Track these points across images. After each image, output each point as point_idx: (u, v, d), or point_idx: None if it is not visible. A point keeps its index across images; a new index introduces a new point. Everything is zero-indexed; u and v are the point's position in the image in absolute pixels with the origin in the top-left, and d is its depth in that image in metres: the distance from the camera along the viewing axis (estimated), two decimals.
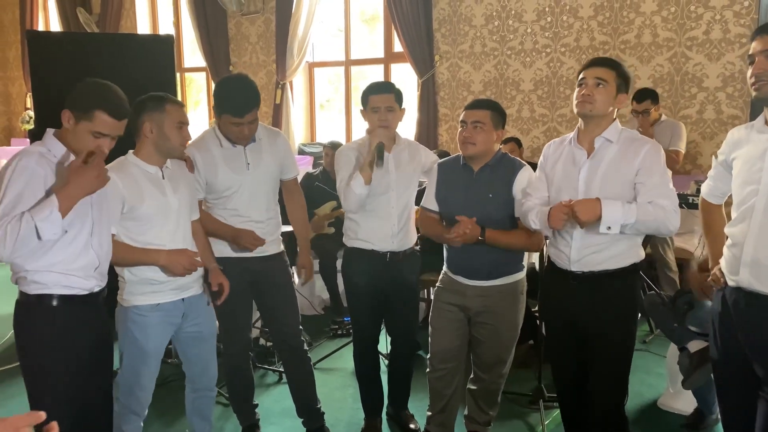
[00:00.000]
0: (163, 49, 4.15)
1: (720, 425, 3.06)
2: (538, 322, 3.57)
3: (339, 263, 4.60)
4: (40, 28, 10.30)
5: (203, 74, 8.60)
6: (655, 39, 5.21)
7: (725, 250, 2.15)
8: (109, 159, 2.38)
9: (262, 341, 4.10)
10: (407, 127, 6.34)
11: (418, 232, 3.04)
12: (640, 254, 2.40)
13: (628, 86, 2.34)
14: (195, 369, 2.67)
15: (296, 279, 3.06)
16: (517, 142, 5.06)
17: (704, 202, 2.39)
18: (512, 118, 5.78)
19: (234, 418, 3.14)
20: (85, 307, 2.20)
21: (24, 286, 2.14)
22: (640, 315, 3.41)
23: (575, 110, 2.34)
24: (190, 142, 2.78)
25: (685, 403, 3.26)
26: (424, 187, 2.90)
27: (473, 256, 2.62)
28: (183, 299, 2.51)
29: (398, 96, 2.80)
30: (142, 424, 2.58)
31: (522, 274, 2.75)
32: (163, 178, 2.44)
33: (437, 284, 2.83)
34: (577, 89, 2.33)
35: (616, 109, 2.36)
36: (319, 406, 3.06)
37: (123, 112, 2.13)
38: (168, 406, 3.28)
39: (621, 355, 2.42)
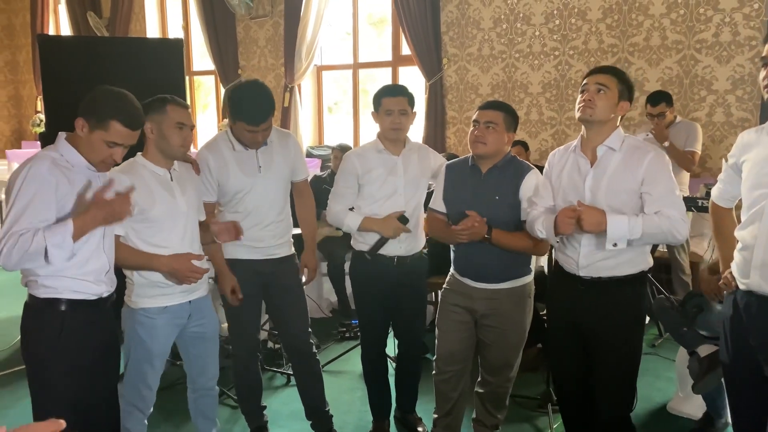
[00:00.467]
0: (173, 52, 4.17)
1: (729, 429, 3.06)
2: (546, 325, 3.56)
3: (347, 266, 4.62)
4: (51, 32, 10.39)
5: (212, 77, 8.65)
6: (664, 41, 5.19)
7: (736, 253, 2.14)
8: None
9: (270, 344, 4.11)
10: (415, 129, 6.33)
11: (427, 235, 3.04)
12: (648, 261, 2.40)
13: (631, 94, 2.34)
14: (196, 368, 2.69)
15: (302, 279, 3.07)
16: (524, 145, 5.05)
17: (714, 205, 2.38)
18: (520, 121, 5.72)
19: (242, 420, 3.15)
20: (94, 311, 2.21)
21: (34, 289, 2.15)
22: (648, 319, 3.40)
23: (577, 116, 2.34)
24: (205, 144, 2.81)
25: (694, 407, 3.24)
26: (433, 191, 2.90)
27: (481, 259, 2.62)
28: (190, 301, 2.53)
29: (411, 99, 2.82)
30: (146, 422, 2.60)
31: (530, 278, 2.74)
32: (172, 180, 2.46)
33: (444, 286, 2.83)
34: (579, 96, 2.33)
35: (619, 117, 2.35)
36: (327, 409, 3.07)
37: (138, 122, 2.14)
38: (176, 408, 3.29)
39: (626, 361, 2.41)
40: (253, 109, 2.62)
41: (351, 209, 2.88)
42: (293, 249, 2.96)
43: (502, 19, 5.95)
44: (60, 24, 10.64)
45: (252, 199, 2.76)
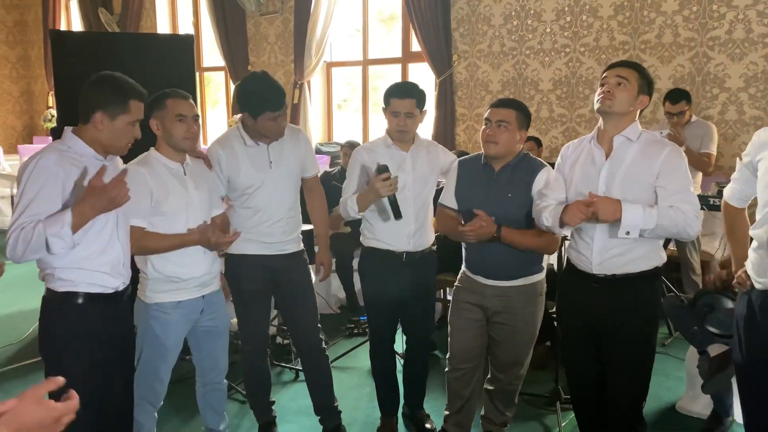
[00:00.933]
0: (183, 48, 4.18)
1: (735, 427, 3.04)
2: (555, 323, 3.55)
3: (355, 262, 4.62)
4: (62, 27, 10.44)
5: (222, 74, 8.67)
6: (677, 39, 5.15)
7: (751, 252, 2.12)
8: (131, 156, 2.43)
9: (279, 339, 4.12)
10: (425, 126, 6.32)
11: (436, 232, 3.04)
12: (662, 257, 2.37)
13: (650, 89, 2.32)
14: (206, 362, 2.71)
15: (314, 276, 3.07)
16: (537, 141, 5.04)
17: (727, 205, 2.36)
18: (531, 120, 5.75)
19: (251, 414, 3.16)
20: (111, 306, 2.23)
21: (51, 283, 2.17)
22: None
23: (596, 107, 2.32)
24: (216, 139, 2.82)
25: (703, 406, 3.23)
26: (442, 188, 2.89)
27: (493, 256, 2.61)
28: (203, 296, 2.55)
29: (420, 100, 2.79)
30: (156, 415, 2.62)
31: (541, 275, 2.73)
32: (185, 174, 2.48)
33: (456, 284, 2.82)
34: (599, 89, 2.32)
35: (638, 111, 2.34)
36: (336, 405, 3.07)
37: (140, 91, 2.19)
38: (186, 402, 3.31)
39: (641, 360, 2.39)
40: (274, 95, 2.65)
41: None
42: (302, 245, 2.97)
43: (512, 15, 5.93)
44: (71, 20, 10.70)
45: (263, 194, 2.76)
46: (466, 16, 6.19)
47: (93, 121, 2.10)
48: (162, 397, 2.61)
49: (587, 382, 2.52)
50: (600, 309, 2.36)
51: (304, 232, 3.01)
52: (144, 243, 2.38)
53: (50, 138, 8.13)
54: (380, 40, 7.44)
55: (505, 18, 5.97)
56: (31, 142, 10.16)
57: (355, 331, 4.44)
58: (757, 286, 2.07)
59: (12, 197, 7.91)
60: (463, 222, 2.60)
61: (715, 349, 2.93)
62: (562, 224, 2.31)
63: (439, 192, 2.91)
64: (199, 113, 2.50)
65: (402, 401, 3.22)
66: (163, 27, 9.22)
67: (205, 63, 9.00)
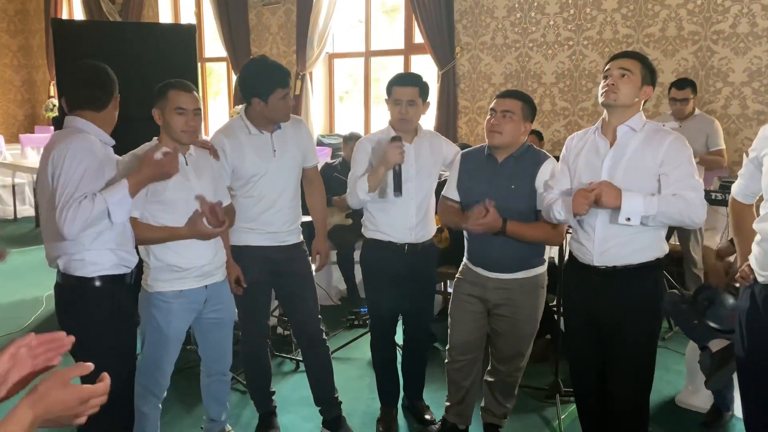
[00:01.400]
0: (185, 38, 4.17)
1: (735, 421, 3.05)
2: (556, 316, 3.56)
3: (356, 254, 4.63)
4: (64, 16, 10.41)
5: (223, 64, 8.65)
6: (680, 32, 5.13)
7: (754, 246, 2.11)
8: (135, 146, 2.45)
9: (279, 330, 4.13)
10: (427, 119, 6.31)
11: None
12: (663, 248, 2.36)
13: (653, 79, 2.32)
14: (211, 354, 2.72)
15: (312, 266, 3.08)
16: (539, 135, 5.03)
17: (734, 201, 2.34)
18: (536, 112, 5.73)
19: (251, 405, 3.17)
20: (123, 287, 2.32)
21: (71, 268, 2.22)
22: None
23: (600, 100, 2.31)
24: (219, 128, 2.82)
25: (703, 400, 3.23)
26: (444, 180, 2.89)
27: (494, 249, 2.61)
28: (206, 286, 2.55)
29: (423, 90, 2.78)
30: (160, 405, 2.63)
31: (543, 268, 2.73)
32: (187, 165, 2.48)
33: (457, 275, 2.83)
34: (602, 81, 2.30)
35: (642, 102, 2.33)
36: (336, 395, 3.08)
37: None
38: (188, 391, 3.33)
39: (644, 352, 2.38)
40: (281, 71, 2.69)
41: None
42: (302, 236, 2.97)
43: (516, 7, 5.90)
44: (73, 9, 10.68)
45: (266, 183, 2.76)
46: (469, 7, 6.16)
47: (112, 105, 2.29)
48: (165, 388, 2.62)
49: (590, 376, 2.52)
50: (602, 302, 2.36)
51: (303, 224, 3.01)
52: (135, 233, 2.40)
53: (52, 128, 8.13)
54: (383, 31, 7.42)
55: (509, 10, 5.95)
56: (33, 132, 10.14)
57: (356, 322, 4.45)
58: (761, 279, 2.06)
59: (13, 186, 7.92)
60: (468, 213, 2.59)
61: (716, 345, 2.93)
62: (574, 215, 2.31)
63: (441, 184, 2.91)
64: (201, 106, 2.49)
65: (402, 392, 3.23)
66: (165, 17, 9.19)
67: (207, 53, 8.98)
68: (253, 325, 2.94)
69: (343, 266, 4.82)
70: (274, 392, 3.17)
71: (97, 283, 2.24)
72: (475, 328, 2.76)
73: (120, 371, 2.29)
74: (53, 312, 2.46)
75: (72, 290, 2.25)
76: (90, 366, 1.16)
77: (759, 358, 2.11)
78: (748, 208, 2.30)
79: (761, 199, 2.17)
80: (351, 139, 4.96)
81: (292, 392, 3.49)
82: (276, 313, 4.06)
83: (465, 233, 2.74)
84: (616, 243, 2.29)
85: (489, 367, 2.88)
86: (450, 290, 3.05)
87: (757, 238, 2.10)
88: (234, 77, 8.12)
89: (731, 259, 2.69)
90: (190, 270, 2.48)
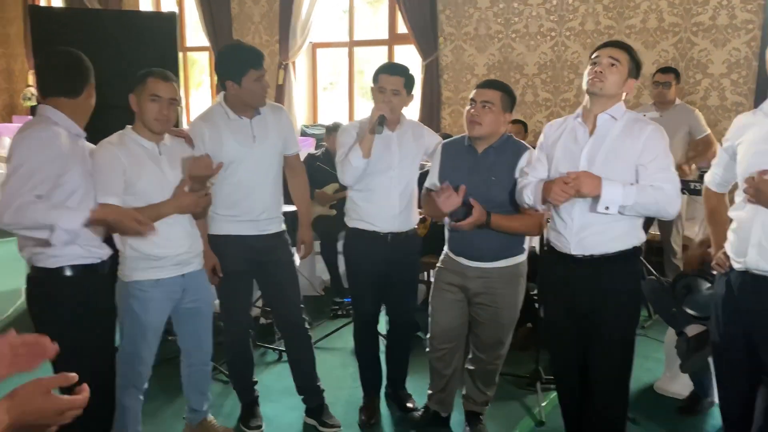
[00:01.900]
0: (166, 26, 4.12)
1: (714, 408, 3.11)
2: (537, 305, 3.59)
3: (340, 245, 4.62)
4: (42, 4, 10.23)
5: (206, 54, 8.56)
6: (661, 24, 5.17)
7: (730, 233, 2.14)
8: (107, 133, 2.44)
9: (262, 320, 4.13)
10: (411, 109, 6.30)
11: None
12: (640, 236, 2.38)
13: (638, 73, 2.33)
14: (191, 344, 2.72)
15: (296, 256, 3.07)
16: (524, 125, 5.05)
17: (708, 190, 2.37)
18: (515, 102, 5.74)
19: (234, 395, 3.17)
20: (97, 277, 2.29)
21: (36, 260, 2.19)
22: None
23: (585, 87, 2.30)
24: (199, 115, 2.80)
25: (681, 386, 3.29)
26: (426, 170, 2.90)
27: (475, 239, 2.63)
28: (183, 275, 2.54)
29: (408, 81, 2.79)
30: (141, 397, 2.61)
31: (523, 257, 2.75)
32: (160, 154, 2.45)
33: (438, 265, 2.84)
34: (589, 67, 2.29)
35: (624, 94, 2.34)
36: (318, 384, 3.09)
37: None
38: (170, 382, 3.30)
39: (623, 340, 2.40)
40: (254, 53, 2.69)
41: None
42: (284, 225, 2.96)
43: None
44: None
45: (246, 169, 2.74)
46: None
47: (87, 93, 2.24)
48: (146, 379, 2.60)
49: (570, 365, 2.54)
50: (580, 290, 2.37)
51: (285, 214, 3.00)
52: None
53: (30, 117, 8.01)
54: (367, 21, 7.38)
55: (492, 0, 5.95)
56: (11, 121, 9.98)
57: (340, 312, 4.46)
58: (736, 266, 2.10)
59: None
60: (452, 217, 2.60)
61: (692, 330, 2.99)
62: (544, 201, 2.32)
63: (423, 174, 2.92)
64: (180, 97, 2.46)
65: (385, 381, 3.25)
66: (145, 5, 9.06)
67: (189, 43, 8.87)
68: (235, 316, 2.94)
69: (326, 256, 4.81)
70: (256, 382, 3.17)
71: (68, 273, 2.20)
72: (455, 316, 2.78)
73: (98, 365, 2.29)
74: None
75: (41, 281, 2.22)
76: (74, 377, 1.16)
77: (734, 344, 2.15)
78: (722, 197, 2.33)
79: (735, 187, 2.20)
80: (334, 129, 4.94)
81: (275, 382, 3.50)
82: (259, 303, 4.05)
83: (446, 223, 2.76)
84: (593, 231, 2.30)
85: (470, 356, 2.90)
86: (432, 280, 3.06)
87: (733, 225, 2.13)
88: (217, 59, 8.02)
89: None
90: (166, 258, 2.46)
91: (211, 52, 8.17)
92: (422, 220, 3.44)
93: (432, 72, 6.29)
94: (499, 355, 2.83)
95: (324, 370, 3.23)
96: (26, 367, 1.22)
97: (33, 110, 4.27)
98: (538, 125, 5.80)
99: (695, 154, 4.51)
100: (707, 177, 2.37)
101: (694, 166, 4.44)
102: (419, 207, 3.00)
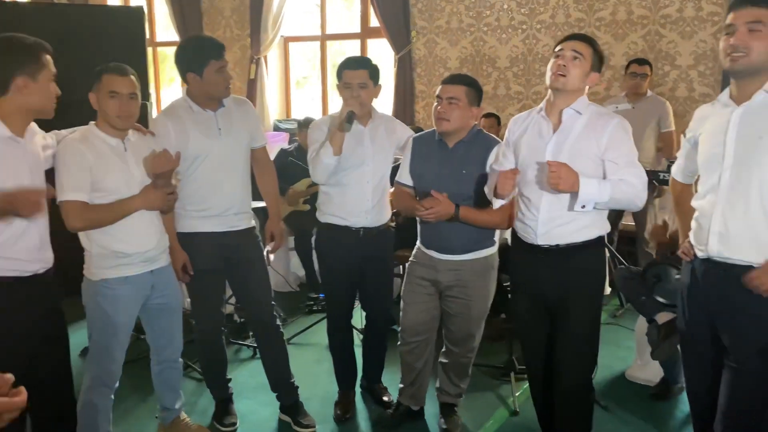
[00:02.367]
0: (133, 21, 4.07)
1: (684, 394, 3.16)
2: (509, 296, 3.61)
3: (314, 240, 4.61)
4: None
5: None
6: (630, 16, 5.23)
7: (693, 222, 2.18)
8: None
9: (235, 317, 4.10)
10: (384, 103, 6.30)
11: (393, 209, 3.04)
12: (605, 226, 2.42)
13: (601, 66, 2.35)
14: (160, 341, 2.69)
15: (267, 247, 3.05)
16: (498, 118, 5.08)
17: (674, 181, 2.41)
18: (488, 96, 5.77)
19: (207, 392, 3.15)
20: (32, 287, 2.14)
21: None
22: (611, 290, 3.48)
23: (548, 82, 2.32)
24: (162, 110, 2.76)
25: (651, 373, 3.35)
26: (398, 165, 2.89)
27: (446, 232, 2.64)
28: (152, 271, 2.51)
29: (373, 72, 2.77)
30: (112, 396, 2.58)
31: (493, 249, 2.77)
32: (126, 150, 2.42)
33: (411, 258, 2.85)
34: (552, 60, 2.31)
35: (587, 87, 2.36)
36: (292, 381, 3.08)
37: (46, 43, 2.18)
38: (141, 381, 3.27)
39: (588, 328, 2.44)
40: (213, 43, 2.68)
41: None
42: (254, 221, 2.94)
43: None
44: None
45: (212, 163, 2.70)
46: None
47: (15, 87, 2.02)
48: (117, 378, 2.57)
49: (540, 355, 2.56)
50: (546, 279, 2.40)
51: (256, 210, 2.98)
52: (88, 215, 2.32)
53: None
54: (339, 15, 7.35)
55: None
56: None
57: (314, 308, 4.45)
58: (699, 254, 2.14)
59: None
60: (420, 203, 2.60)
61: (662, 317, 3.04)
62: (496, 195, 2.35)
63: (395, 168, 2.91)
64: (138, 91, 2.39)
65: (360, 375, 3.25)
66: None
67: (160, 38, 8.75)
68: (206, 313, 2.91)
69: (301, 252, 4.79)
70: (230, 379, 3.15)
71: None
72: (425, 309, 2.79)
73: (44, 370, 2.20)
74: None
75: None
76: (9, 378, 1.13)
77: (699, 331, 2.19)
78: (687, 188, 2.36)
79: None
80: (306, 125, 4.91)
81: (249, 378, 3.48)
82: (232, 300, 4.03)
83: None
84: (559, 222, 2.33)
85: (443, 349, 2.92)
86: None
87: (696, 214, 2.16)
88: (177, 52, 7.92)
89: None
90: (134, 255, 2.43)
91: None
92: (395, 214, 3.44)
93: (405, 65, 6.28)
94: (472, 347, 2.85)
95: (299, 365, 3.22)
96: None
97: None
98: (511, 118, 5.83)
99: (663, 146, 4.59)
100: (673, 168, 2.41)
101: (664, 160, 4.52)
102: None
